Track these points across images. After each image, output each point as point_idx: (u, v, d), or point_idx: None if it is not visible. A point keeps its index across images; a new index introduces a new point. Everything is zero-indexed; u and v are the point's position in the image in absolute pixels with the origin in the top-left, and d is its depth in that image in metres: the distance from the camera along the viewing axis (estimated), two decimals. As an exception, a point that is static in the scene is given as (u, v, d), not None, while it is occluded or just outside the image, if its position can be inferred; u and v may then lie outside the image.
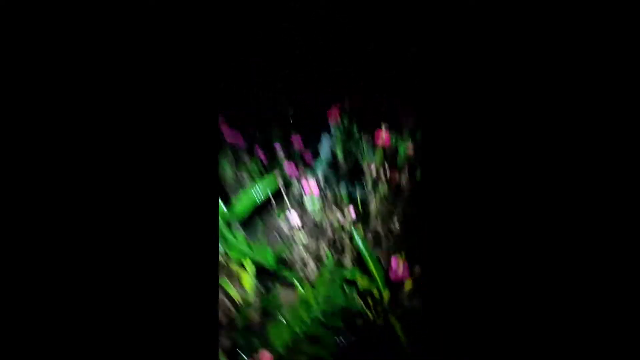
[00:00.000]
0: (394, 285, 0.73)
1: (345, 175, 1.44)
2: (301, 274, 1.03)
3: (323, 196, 1.05)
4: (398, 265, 0.70)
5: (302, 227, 1.01)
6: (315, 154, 1.70)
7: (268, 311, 0.99)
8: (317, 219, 1.04)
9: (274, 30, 1.80)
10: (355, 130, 1.60)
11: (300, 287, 0.97)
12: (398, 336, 0.69)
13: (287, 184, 1.18)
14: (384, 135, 1.09)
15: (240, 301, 0.97)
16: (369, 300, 0.80)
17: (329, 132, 1.65)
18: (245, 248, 1.02)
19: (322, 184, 1.26)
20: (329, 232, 0.99)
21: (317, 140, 1.71)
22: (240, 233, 1.05)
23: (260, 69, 1.84)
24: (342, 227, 0.94)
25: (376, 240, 0.98)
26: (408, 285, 0.72)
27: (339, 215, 1.00)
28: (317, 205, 1.03)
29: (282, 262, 1.07)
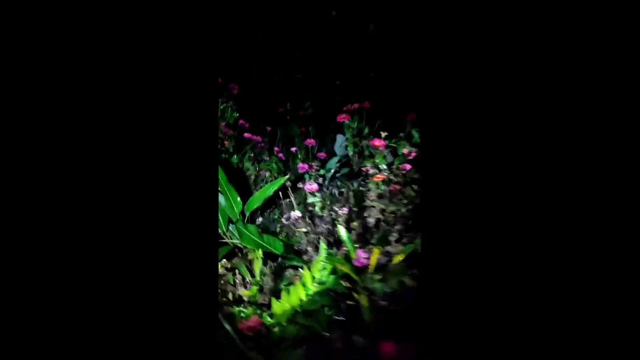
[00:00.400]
0: (359, 270, 0.90)
1: (349, 174, 1.59)
2: (303, 259, 1.22)
3: (323, 195, 1.22)
4: (362, 255, 0.86)
5: (304, 220, 1.19)
6: (329, 153, 1.85)
7: (274, 289, 1.19)
8: (317, 213, 1.21)
9: (294, 45, 1.95)
10: (366, 131, 1.73)
11: (300, 270, 1.16)
12: (364, 312, 0.85)
13: (295, 184, 1.36)
14: (379, 142, 1.23)
15: (251, 281, 1.17)
16: (349, 284, 0.97)
17: (343, 132, 1.80)
18: (257, 238, 1.22)
19: (326, 182, 1.43)
20: (325, 225, 1.16)
21: (330, 140, 1.86)
22: (253, 225, 1.24)
23: (280, 78, 2.01)
24: (336, 221, 1.11)
25: (364, 233, 1.14)
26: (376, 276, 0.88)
27: (334, 211, 1.17)
28: (318, 202, 1.21)
29: (288, 249, 1.26)
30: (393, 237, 1.17)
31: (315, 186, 1.17)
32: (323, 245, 1.12)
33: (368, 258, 0.87)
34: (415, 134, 1.38)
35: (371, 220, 1.20)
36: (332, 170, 1.68)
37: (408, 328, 0.82)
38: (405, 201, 1.18)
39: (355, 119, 1.69)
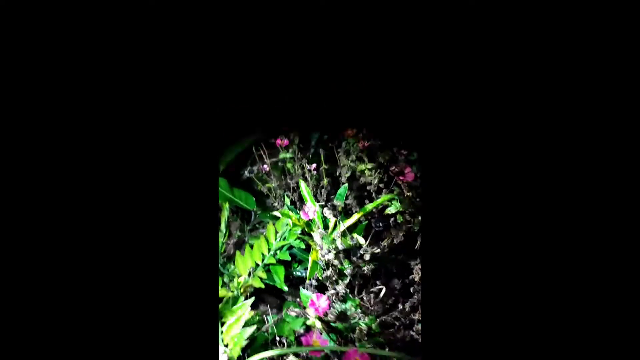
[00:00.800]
0: (308, 223, 0.88)
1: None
2: (273, 215, 1.21)
3: (295, 150, 1.18)
4: (310, 208, 0.84)
5: (276, 175, 1.17)
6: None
7: (240, 243, 1.19)
8: (288, 169, 1.19)
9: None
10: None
11: (268, 226, 1.15)
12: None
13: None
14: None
15: (218, 234, 1.17)
16: (306, 239, 0.96)
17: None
18: (226, 192, 1.21)
19: (312, 142, 1.38)
20: (292, 181, 1.14)
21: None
22: (224, 179, 1.23)
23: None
24: (300, 178, 1.08)
25: (334, 190, 1.11)
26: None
27: (304, 167, 1.14)
28: (289, 157, 1.18)
29: (260, 204, 1.25)
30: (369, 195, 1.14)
31: (286, 141, 1.13)
32: (286, 201, 1.10)
33: (314, 212, 0.85)
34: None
35: (342, 179, 1.17)
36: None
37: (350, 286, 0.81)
38: (377, 160, 1.14)
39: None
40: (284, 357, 0.69)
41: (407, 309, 0.83)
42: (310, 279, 0.85)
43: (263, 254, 1.07)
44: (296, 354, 0.65)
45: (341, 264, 0.81)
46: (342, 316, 0.66)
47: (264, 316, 1.01)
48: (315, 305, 0.66)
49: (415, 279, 0.86)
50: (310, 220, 0.88)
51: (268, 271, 1.06)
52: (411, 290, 0.87)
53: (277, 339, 0.90)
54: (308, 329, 0.76)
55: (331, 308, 0.66)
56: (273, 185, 1.17)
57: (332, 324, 0.68)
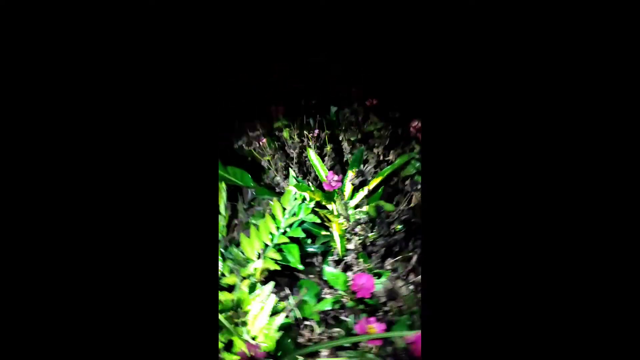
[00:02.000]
0: (332, 196, 0.79)
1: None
2: (275, 191, 1.11)
3: (291, 123, 1.08)
4: (332, 177, 0.75)
5: (272, 147, 1.07)
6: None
7: (244, 224, 1.09)
8: (288, 143, 1.08)
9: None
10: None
11: (271, 203, 1.06)
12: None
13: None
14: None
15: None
16: (322, 213, 0.87)
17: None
18: (220, 171, 1.10)
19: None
20: (296, 154, 1.04)
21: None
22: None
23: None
24: (309, 148, 0.98)
25: (339, 157, 1.03)
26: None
27: (305, 135, 1.04)
28: (284, 124, 1.07)
29: (258, 181, 1.15)
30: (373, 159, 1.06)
31: (282, 108, 1.03)
32: (292, 173, 1.01)
33: (339, 180, 0.76)
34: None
35: (346, 145, 1.07)
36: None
37: (383, 260, 0.73)
38: (385, 120, 1.05)
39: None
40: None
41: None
42: (342, 256, 0.76)
43: (272, 234, 0.98)
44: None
45: (368, 234, 0.73)
46: (392, 294, 0.58)
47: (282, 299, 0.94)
48: (357, 286, 0.58)
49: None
50: (331, 191, 0.79)
51: (280, 250, 0.97)
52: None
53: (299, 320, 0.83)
54: (341, 309, 0.68)
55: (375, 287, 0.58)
56: (270, 158, 1.06)
57: (370, 302, 0.60)
